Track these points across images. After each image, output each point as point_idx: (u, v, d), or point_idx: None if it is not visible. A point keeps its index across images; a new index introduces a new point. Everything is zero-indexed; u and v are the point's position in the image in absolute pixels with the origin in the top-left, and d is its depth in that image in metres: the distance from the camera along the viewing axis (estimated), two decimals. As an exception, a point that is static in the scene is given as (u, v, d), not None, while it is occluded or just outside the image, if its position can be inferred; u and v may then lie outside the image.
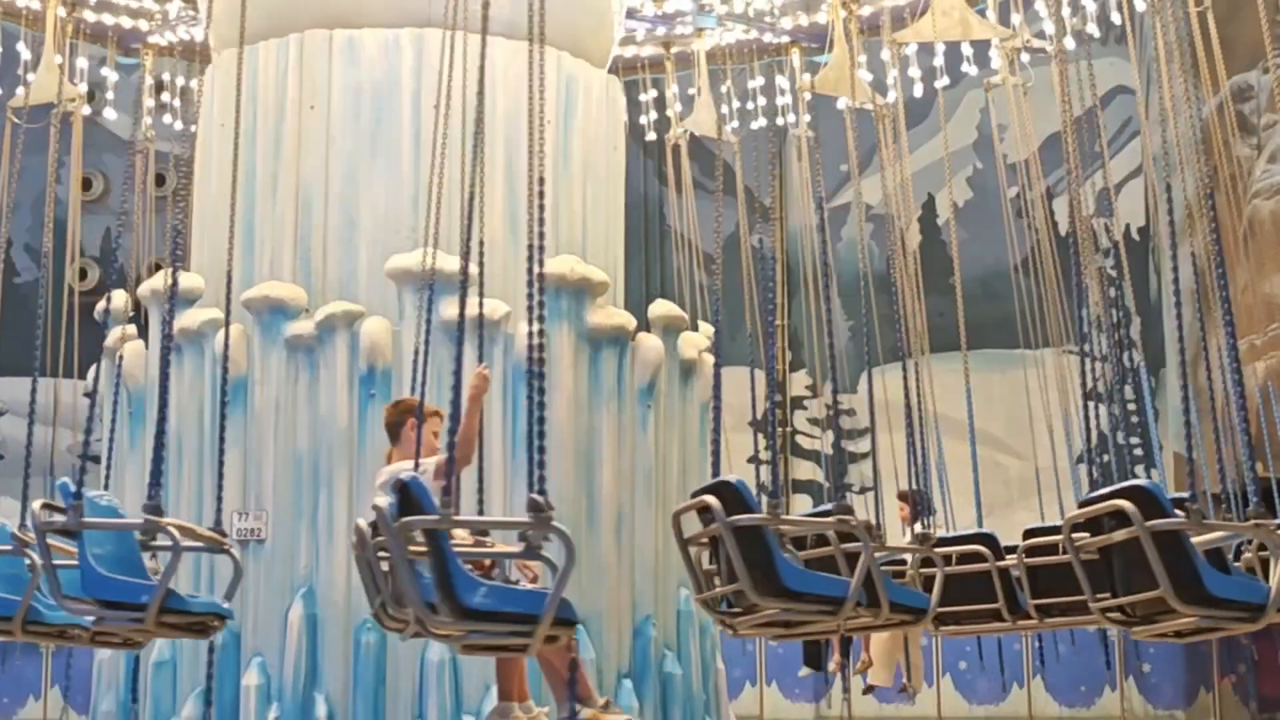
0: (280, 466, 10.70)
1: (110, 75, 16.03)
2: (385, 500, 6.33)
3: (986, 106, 15.13)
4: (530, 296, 6.51)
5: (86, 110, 15.18)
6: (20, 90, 14.57)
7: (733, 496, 7.40)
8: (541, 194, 6.77)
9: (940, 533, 9.57)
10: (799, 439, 19.55)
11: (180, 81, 16.27)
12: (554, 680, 8.58)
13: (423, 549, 6.32)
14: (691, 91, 15.85)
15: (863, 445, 17.85)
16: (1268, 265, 16.42)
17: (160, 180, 19.44)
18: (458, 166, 10.88)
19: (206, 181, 11.86)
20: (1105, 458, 12.85)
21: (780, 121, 16.40)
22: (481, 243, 7.75)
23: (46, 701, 17.72)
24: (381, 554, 6.67)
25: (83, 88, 15.29)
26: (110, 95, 16.10)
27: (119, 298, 11.60)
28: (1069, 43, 13.05)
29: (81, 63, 15.82)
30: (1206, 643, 16.75)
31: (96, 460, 10.71)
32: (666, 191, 15.84)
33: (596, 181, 11.87)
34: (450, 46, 8.31)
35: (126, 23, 15.56)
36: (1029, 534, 9.11)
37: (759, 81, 16.12)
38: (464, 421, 7.61)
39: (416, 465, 7.44)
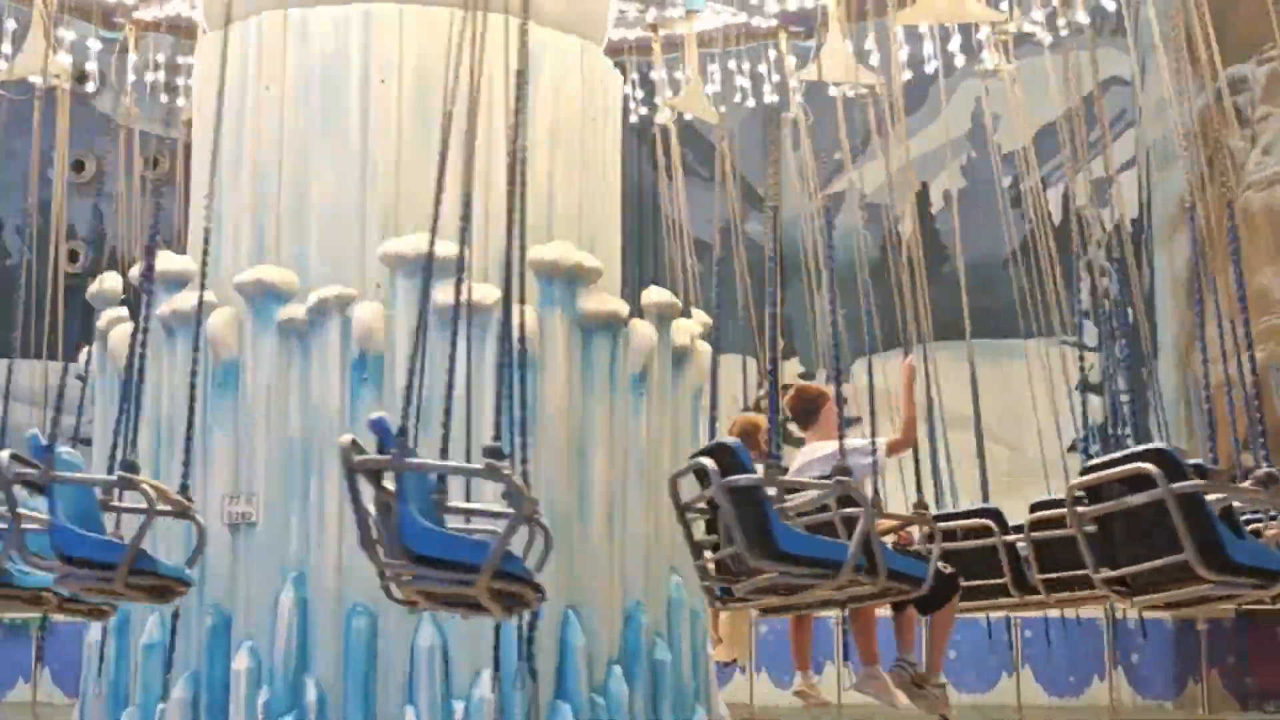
0: (271, 451, 10.67)
1: (95, 47, 15.72)
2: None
3: (981, 95, 15.12)
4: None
5: (67, 85, 14.75)
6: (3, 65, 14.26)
7: (730, 459, 7.32)
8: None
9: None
10: (791, 426, 19.49)
11: (163, 59, 16.03)
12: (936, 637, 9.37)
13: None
14: (679, 76, 15.72)
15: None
16: (1260, 257, 16.44)
17: (154, 163, 19.41)
18: (410, 146, 10.90)
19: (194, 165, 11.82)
20: (1096, 448, 12.85)
21: (773, 100, 16.28)
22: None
23: (36, 683, 17.70)
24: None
25: (65, 59, 14.82)
26: (111, 75, 15.85)
27: (111, 280, 11.59)
28: (1063, 31, 13.04)
29: (69, 35, 15.48)
30: (1195, 633, 16.81)
31: (88, 443, 10.73)
32: (660, 176, 15.77)
33: (576, 161, 11.67)
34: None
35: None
36: (1036, 507, 8.97)
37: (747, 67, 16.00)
38: (905, 409, 9.14)
39: (874, 445, 8.30)
